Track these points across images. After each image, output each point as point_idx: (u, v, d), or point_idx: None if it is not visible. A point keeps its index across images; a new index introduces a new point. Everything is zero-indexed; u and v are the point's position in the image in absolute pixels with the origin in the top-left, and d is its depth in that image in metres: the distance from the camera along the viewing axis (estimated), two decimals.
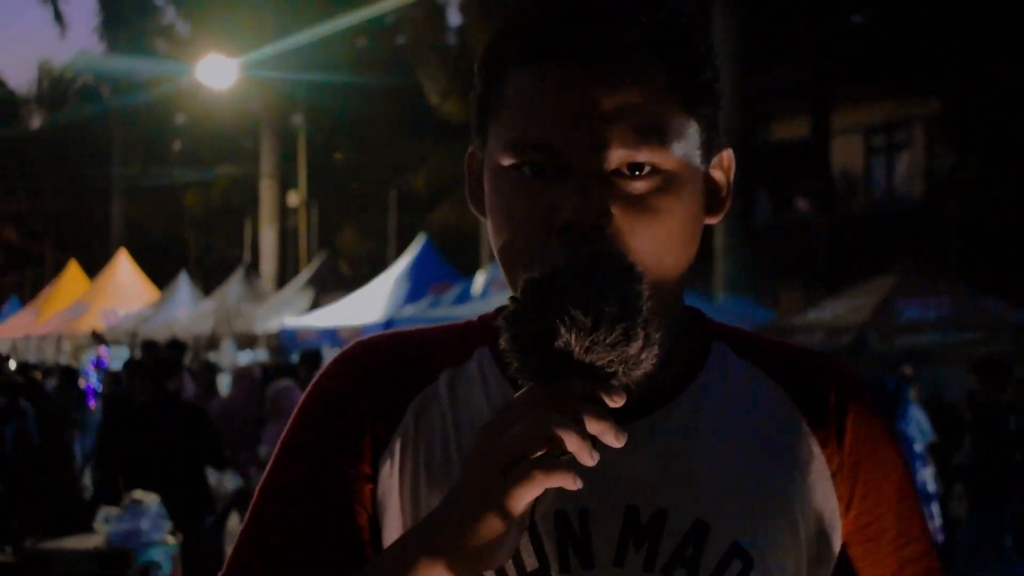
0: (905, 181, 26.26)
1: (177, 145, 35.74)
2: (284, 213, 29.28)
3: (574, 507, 1.23)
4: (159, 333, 20.69)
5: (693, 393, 1.31)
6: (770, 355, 1.37)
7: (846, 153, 25.44)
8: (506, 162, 1.24)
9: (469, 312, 15.32)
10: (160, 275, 28.11)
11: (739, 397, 1.33)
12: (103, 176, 35.70)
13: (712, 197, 1.32)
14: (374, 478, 1.30)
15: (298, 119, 29.21)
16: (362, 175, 30.90)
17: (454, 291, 16.98)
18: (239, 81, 25.65)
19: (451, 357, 1.35)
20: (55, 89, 41.69)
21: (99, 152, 35.95)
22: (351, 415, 1.31)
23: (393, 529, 1.29)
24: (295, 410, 1.36)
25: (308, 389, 1.36)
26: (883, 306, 13.67)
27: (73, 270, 30.14)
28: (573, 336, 1.07)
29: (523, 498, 1.07)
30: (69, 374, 16.05)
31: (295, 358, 16.45)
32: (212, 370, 14.28)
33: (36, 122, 41.71)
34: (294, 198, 29.79)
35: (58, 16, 32.69)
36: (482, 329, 1.38)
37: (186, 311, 23.31)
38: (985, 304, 14.59)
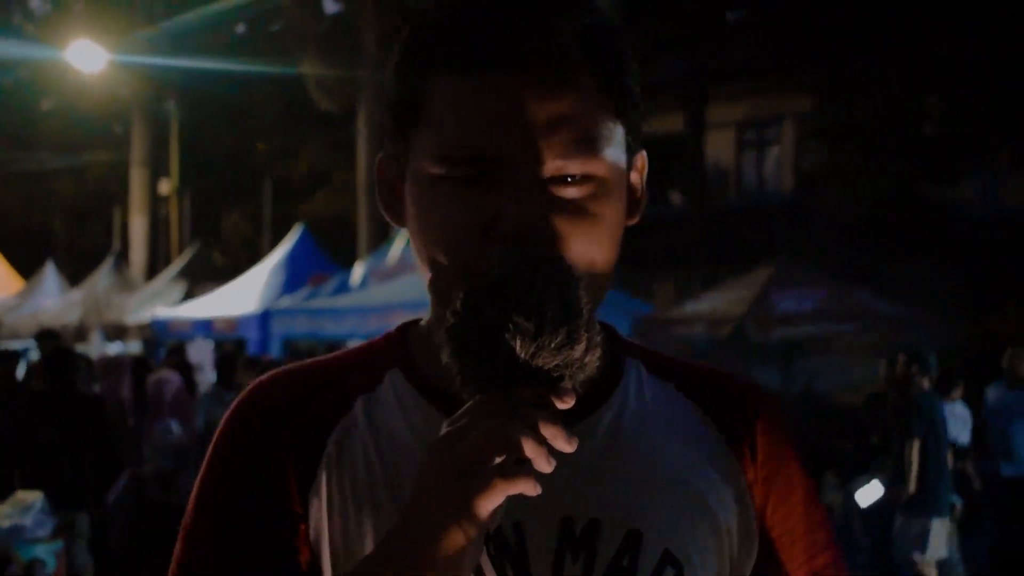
0: (775, 176, 26.91)
1: (49, 131, 35.10)
2: (156, 202, 28.98)
3: (508, 522, 1.25)
4: (25, 323, 20.54)
5: (613, 406, 1.35)
6: (679, 374, 1.43)
7: (719, 148, 26.02)
8: (436, 171, 1.24)
9: (348, 303, 15.30)
10: (25, 265, 27.71)
11: (657, 411, 1.38)
12: None
13: (631, 199, 1.35)
14: (305, 517, 1.29)
15: (172, 104, 28.87)
16: (238, 164, 30.73)
17: (332, 282, 17.09)
18: (110, 65, 25.40)
19: (362, 383, 1.36)
20: None
21: None
22: (272, 457, 1.30)
23: (330, 566, 1.29)
24: (207, 459, 1.34)
25: (218, 435, 1.34)
26: (761, 298, 13.87)
27: None
28: (519, 342, 1.08)
29: (487, 506, 1.08)
30: None
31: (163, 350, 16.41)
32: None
33: None
34: (166, 186, 29.59)
35: None
36: (389, 350, 1.40)
37: (52, 301, 22.96)
38: (858, 296, 14.87)
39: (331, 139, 27.61)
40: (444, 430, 1.12)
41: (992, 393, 10.66)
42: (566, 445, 1.09)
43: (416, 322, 1.42)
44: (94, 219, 34.87)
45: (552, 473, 1.18)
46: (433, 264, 1.26)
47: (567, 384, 1.10)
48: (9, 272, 26.95)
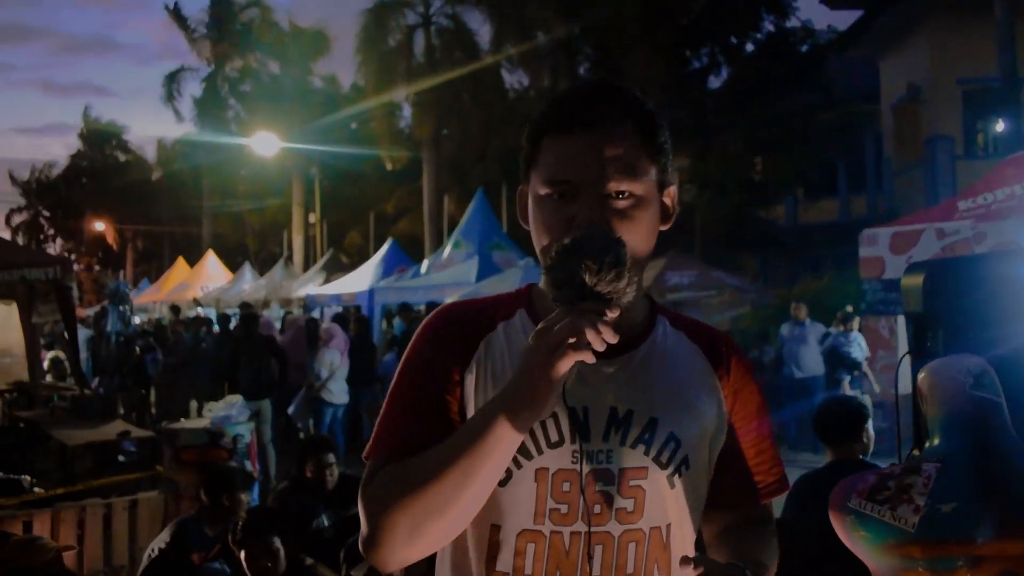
0: None
1: (245, 187, 34.94)
2: (307, 226, 28.92)
3: (580, 406, 1.22)
4: (233, 300, 20.42)
5: (648, 344, 1.31)
6: (690, 327, 1.38)
7: None
8: (543, 192, 1.23)
9: (418, 283, 15.05)
10: (233, 265, 27.82)
11: (674, 349, 1.33)
12: (198, 207, 34.97)
13: (664, 213, 1.30)
14: (461, 384, 1.27)
15: (315, 170, 28.80)
16: (355, 202, 30.54)
17: (409, 271, 16.77)
18: (281, 149, 25.41)
19: (504, 314, 1.32)
20: (169, 155, 40.70)
21: (195, 191, 35.15)
22: (448, 346, 1.28)
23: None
24: (413, 340, 1.32)
25: (419, 329, 1.32)
26: (658, 277, 13.84)
27: (180, 263, 29.54)
28: (587, 275, 1.07)
29: (564, 367, 1.06)
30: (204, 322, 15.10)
31: (315, 312, 16.32)
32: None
33: (157, 175, 40.56)
34: (313, 217, 29.46)
35: (176, 114, 31.95)
36: (520, 297, 1.35)
37: (248, 286, 22.93)
38: (715, 275, 14.88)
39: (408, 188, 27.59)
40: (541, 325, 1.10)
41: (784, 328, 10.69)
42: (612, 337, 1.06)
43: (536, 284, 1.36)
44: (271, 237, 34.71)
45: (608, 382, 1.24)
46: (541, 247, 1.23)
47: (617, 303, 1.08)
48: (224, 270, 27.09)
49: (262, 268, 26.82)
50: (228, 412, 7.07)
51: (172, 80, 30.71)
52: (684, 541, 1.27)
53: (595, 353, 1.07)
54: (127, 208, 42.24)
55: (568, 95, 1.26)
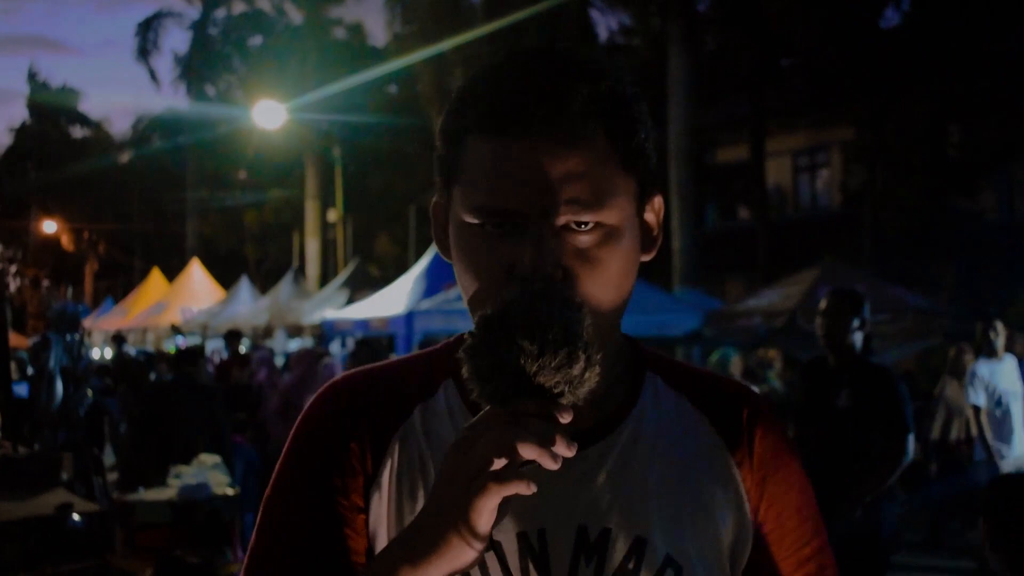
0: (825, 194, 26.50)
1: (241, 174, 35.67)
2: (325, 228, 29.32)
3: (533, 529, 1.20)
4: (224, 326, 20.74)
5: (631, 423, 1.27)
6: (693, 384, 1.34)
7: (778, 172, 25.66)
8: (470, 220, 1.18)
9: None
10: (225, 279, 28.31)
11: (669, 425, 1.29)
12: (179, 200, 35.81)
13: (646, 237, 1.26)
14: (366, 509, 1.23)
15: (337, 151, 29.17)
16: (388, 197, 30.91)
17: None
18: (289, 120, 25.82)
19: (421, 392, 1.29)
20: (144, 132, 41.83)
21: (176, 181, 36.03)
22: (342, 455, 1.24)
23: None
24: (287, 445, 1.28)
25: (296, 427, 1.29)
26: (809, 294, 13.64)
27: (155, 276, 30.39)
28: (523, 362, 1.03)
29: (484, 508, 1.03)
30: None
31: (333, 344, 16.49)
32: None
33: (125, 158, 41.73)
34: (333, 215, 29.85)
35: (152, 75, 33.02)
36: (446, 359, 1.29)
37: (246, 307, 23.37)
38: (892, 292, 14.58)
39: None
40: (462, 433, 1.07)
41: (981, 367, 9.89)
42: (566, 450, 1.02)
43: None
44: (276, 242, 35.35)
45: (574, 487, 1.21)
46: (470, 298, 1.21)
47: (567, 399, 1.04)
48: (214, 285, 27.62)
49: (264, 283, 27.35)
50: (201, 479, 7.13)
51: (147, 29, 31.67)
52: None
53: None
54: (86, 202, 43.35)
55: (502, 72, 1.19)
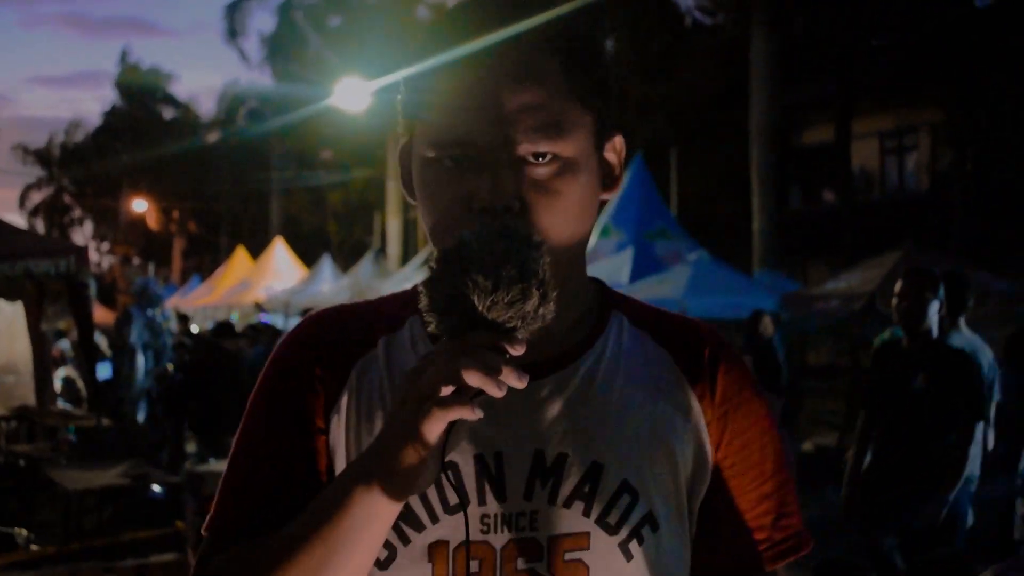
0: (913, 176, 25.94)
1: (326, 154, 36.02)
2: (406, 207, 29.48)
3: (490, 451, 1.21)
4: (306, 304, 20.82)
5: (593, 355, 1.28)
6: (657, 323, 1.35)
7: (864, 154, 25.18)
8: (430, 154, 1.21)
9: None
10: (308, 258, 28.62)
11: (631, 359, 1.30)
12: (265, 179, 36.32)
13: (606, 176, 1.28)
14: (326, 431, 1.26)
15: None
16: None
17: None
18: (372, 100, 25.96)
19: (387, 326, 1.31)
20: (229, 112, 42.50)
21: (262, 161, 36.55)
22: (305, 380, 1.27)
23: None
24: (261, 374, 1.32)
25: (270, 357, 1.33)
26: (889, 277, 13.42)
27: (240, 254, 30.86)
28: (477, 297, 1.04)
29: (432, 430, 1.04)
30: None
31: None
32: None
33: (212, 138, 42.48)
34: None
35: (243, 56, 33.51)
36: (413, 299, 1.27)
37: (328, 286, 23.57)
38: (976, 276, 14.26)
39: None
40: (417, 363, 1.09)
41: None
42: (515, 380, 1.04)
43: None
44: (359, 222, 35.65)
45: (532, 413, 1.23)
46: (431, 232, 1.23)
47: (521, 333, 1.06)
48: (297, 264, 27.98)
49: (346, 262, 27.57)
50: None
51: (235, 11, 32.13)
52: None
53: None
54: (175, 181, 44.20)
55: (464, 10, 1.23)
